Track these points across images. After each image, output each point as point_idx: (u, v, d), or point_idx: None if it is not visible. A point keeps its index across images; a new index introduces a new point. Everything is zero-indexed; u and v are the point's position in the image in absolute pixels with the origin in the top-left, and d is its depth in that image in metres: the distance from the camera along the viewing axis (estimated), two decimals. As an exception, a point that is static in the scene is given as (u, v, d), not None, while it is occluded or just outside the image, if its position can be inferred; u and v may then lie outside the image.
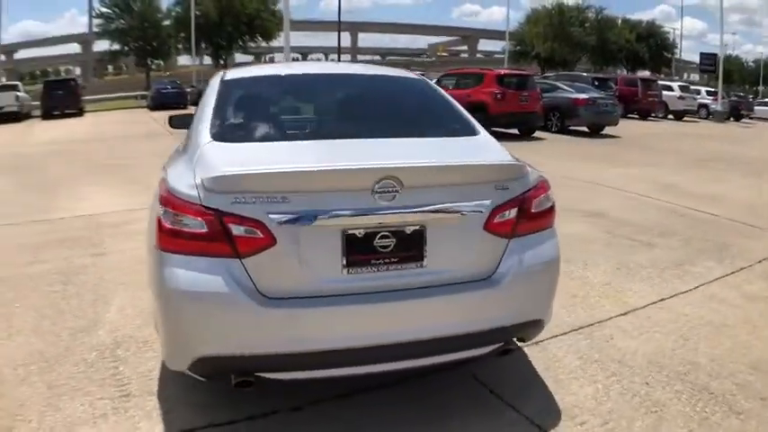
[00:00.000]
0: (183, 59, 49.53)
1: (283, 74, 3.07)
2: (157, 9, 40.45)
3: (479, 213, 2.03)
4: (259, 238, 1.85)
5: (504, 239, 2.09)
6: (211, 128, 2.29)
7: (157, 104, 23.79)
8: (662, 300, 3.46)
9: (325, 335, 1.89)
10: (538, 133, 13.44)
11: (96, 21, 41.26)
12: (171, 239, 1.89)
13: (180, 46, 41.00)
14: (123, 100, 32.02)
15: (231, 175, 1.87)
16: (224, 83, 2.70)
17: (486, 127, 2.57)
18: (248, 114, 2.55)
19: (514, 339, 2.24)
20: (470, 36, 75.21)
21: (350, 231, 1.90)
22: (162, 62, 45.84)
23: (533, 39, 39.93)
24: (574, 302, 3.38)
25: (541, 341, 2.84)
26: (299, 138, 2.43)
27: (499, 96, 12.55)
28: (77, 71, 64.82)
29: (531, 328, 2.22)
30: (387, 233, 1.93)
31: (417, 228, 1.96)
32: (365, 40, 73.97)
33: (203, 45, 39.93)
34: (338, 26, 38.51)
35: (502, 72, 14.04)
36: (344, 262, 1.91)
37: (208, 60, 44.87)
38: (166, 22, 40.36)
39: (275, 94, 2.81)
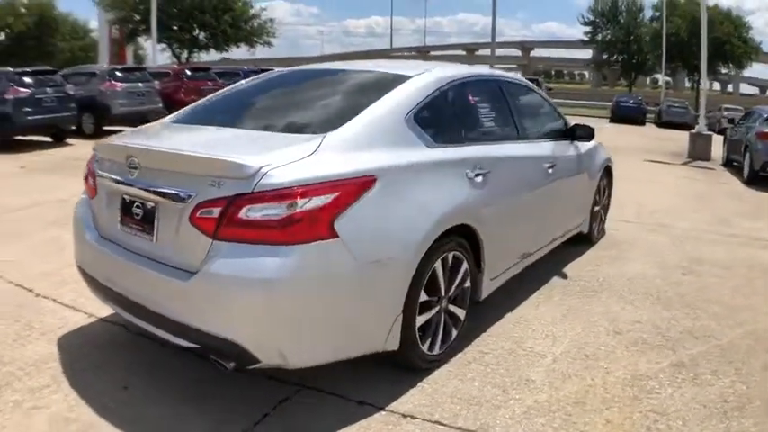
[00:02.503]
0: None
1: (283, 71, 3.41)
2: (641, 23, 40.10)
3: (185, 204, 2.04)
4: (93, 188, 2.51)
5: (207, 238, 1.98)
6: (184, 109, 3.00)
7: (616, 117, 24.17)
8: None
9: (102, 272, 2.40)
10: None
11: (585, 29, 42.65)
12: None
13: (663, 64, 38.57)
14: (587, 108, 31.70)
15: (96, 142, 2.59)
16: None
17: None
18: (207, 103, 3.06)
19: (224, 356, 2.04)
20: None
21: (124, 195, 2.30)
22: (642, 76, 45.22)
23: None
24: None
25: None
26: (188, 122, 2.78)
27: None
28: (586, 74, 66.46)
29: (225, 348, 1.97)
30: (139, 203, 2.23)
31: (152, 205, 2.17)
32: None
33: (679, 64, 37.99)
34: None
35: None
36: (119, 219, 2.33)
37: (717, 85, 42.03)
38: (647, 38, 39.61)
39: (245, 87, 3.17)
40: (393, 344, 2.31)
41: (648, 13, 39.84)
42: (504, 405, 2.36)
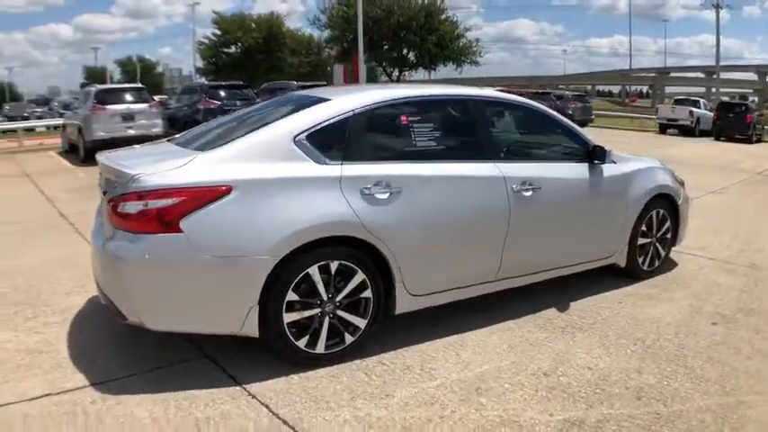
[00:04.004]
0: None
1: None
2: None
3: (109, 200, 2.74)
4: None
5: (110, 224, 2.68)
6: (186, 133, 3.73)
7: None
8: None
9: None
10: None
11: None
12: None
13: None
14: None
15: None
16: None
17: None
18: (206, 124, 3.75)
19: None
20: None
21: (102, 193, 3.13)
22: None
23: None
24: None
25: None
26: (174, 141, 3.45)
27: None
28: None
29: (111, 306, 2.70)
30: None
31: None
32: None
33: None
34: None
35: None
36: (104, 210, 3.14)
37: None
38: None
39: (241, 111, 3.79)
40: (251, 330, 2.68)
41: None
42: (335, 409, 2.50)
